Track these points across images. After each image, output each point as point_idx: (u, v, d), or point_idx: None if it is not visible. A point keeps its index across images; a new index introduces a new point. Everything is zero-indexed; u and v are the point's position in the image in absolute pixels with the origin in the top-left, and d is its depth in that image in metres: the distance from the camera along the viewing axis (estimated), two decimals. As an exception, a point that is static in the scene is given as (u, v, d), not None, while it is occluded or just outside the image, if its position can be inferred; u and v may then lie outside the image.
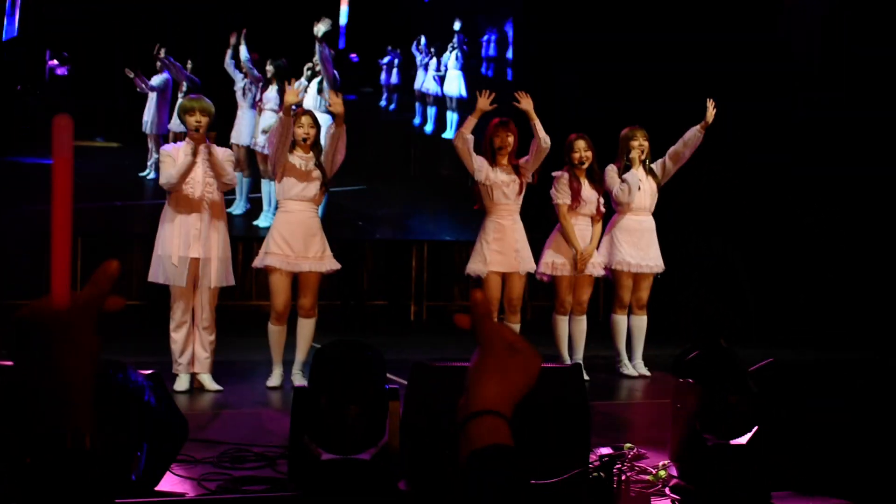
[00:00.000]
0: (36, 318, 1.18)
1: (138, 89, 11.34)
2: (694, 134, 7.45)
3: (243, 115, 11.60)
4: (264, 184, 11.60)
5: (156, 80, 11.48)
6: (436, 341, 10.32)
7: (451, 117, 12.59)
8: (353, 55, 12.35)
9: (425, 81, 12.64)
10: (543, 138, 7.03)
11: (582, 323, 7.52)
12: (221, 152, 6.50)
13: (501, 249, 7.13)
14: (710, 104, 7.38)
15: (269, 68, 11.53)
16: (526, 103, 7.01)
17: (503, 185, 7.14)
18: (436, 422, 3.74)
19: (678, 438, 3.97)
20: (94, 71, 11.12)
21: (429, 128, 12.70)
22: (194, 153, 6.35)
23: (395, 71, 12.65)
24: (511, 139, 7.17)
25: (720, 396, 3.88)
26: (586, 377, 7.26)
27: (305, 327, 6.79)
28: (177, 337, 6.49)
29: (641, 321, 7.72)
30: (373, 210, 12.39)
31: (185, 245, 6.41)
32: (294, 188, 6.64)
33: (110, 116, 11.27)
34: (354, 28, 12.21)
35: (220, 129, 6.93)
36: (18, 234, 10.65)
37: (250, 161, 11.65)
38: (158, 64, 11.45)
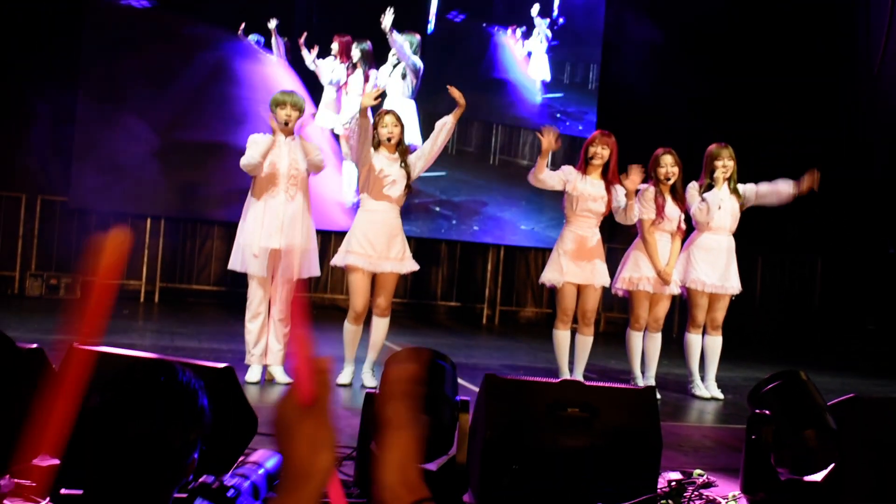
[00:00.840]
0: (295, 413, 1.42)
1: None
2: (788, 192, 7.38)
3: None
4: (345, 165, 11.84)
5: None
6: (505, 346, 10.30)
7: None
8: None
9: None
10: (630, 217, 7.04)
11: (657, 340, 7.42)
12: (310, 140, 6.60)
13: (579, 261, 7.07)
14: (812, 177, 7.28)
15: (355, 52, 11.73)
16: (631, 182, 6.99)
17: (589, 199, 7.07)
18: (505, 435, 3.71)
19: (750, 470, 3.89)
20: None
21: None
22: (275, 132, 6.46)
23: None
24: (607, 152, 7.10)
25: (796, 430, 3.80)
26: (658, 395, 7.18)
27: (380, 326, 6.80)
28: (252, 327, 6.54)
29: (716, 342, 7.59)
30: (449, 196, 12.55)
31: (267, 235, 6.46)
32: (377, 188, 6.65)
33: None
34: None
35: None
36: None
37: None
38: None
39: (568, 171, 7.15)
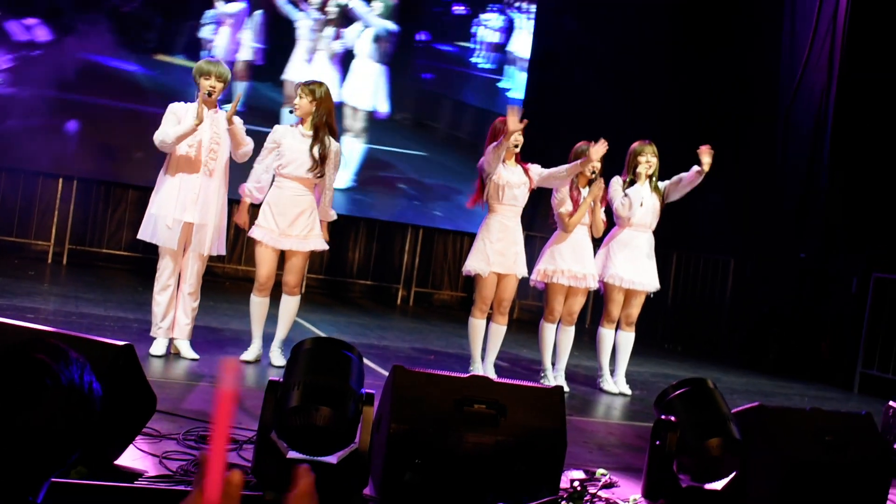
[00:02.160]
0: None
1: None
2: (693, 172, 7.36)
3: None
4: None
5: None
6: (419, 328, 10.25)
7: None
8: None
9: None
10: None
11: (569, 333, 7.43)
12: (239, 122, 6.38)
13: (503, 250, 7.02)
14: (707, 153, 7.29)
15: (332, 8, 11.72)
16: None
17: (514, 187, 7.02)
18: (410, 429, 3.64)
19: (652, 475, 3.88)
20: None
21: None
22: (199, 119, 6.21)
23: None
24: (521, 139, 7.04)
25: (700, 438, 3.80)
26: (566, 388, 7.20)
27: (287, 304, 6.69)
28: (160, 299, 6.38)
29: (629, 338, 7.63)
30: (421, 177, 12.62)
31: (181, 208, 6.30)
32: (287, 165, 6.50)
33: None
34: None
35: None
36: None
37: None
38: None
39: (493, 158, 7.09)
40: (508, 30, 12.81)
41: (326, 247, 6.72)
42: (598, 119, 10.57)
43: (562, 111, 11.98)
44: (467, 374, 3.93)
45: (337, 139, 6.62)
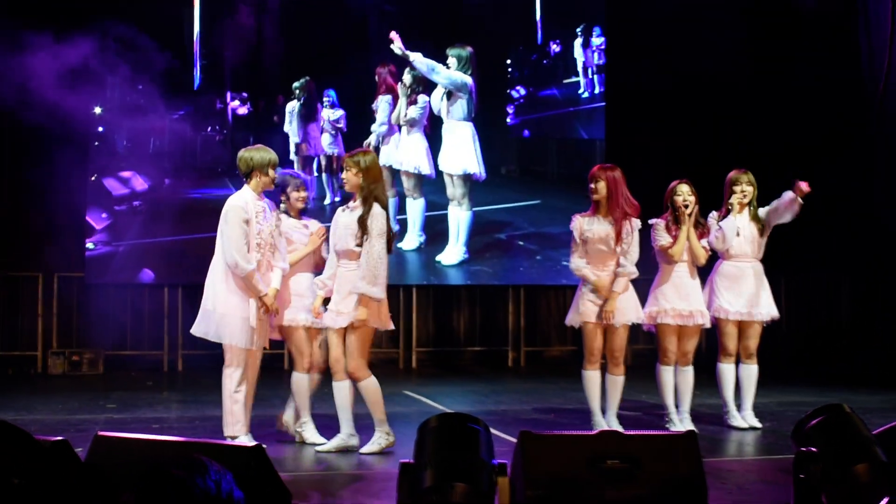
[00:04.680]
0: None
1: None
2: (788, 198, 7.23)
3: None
4: (410, 203, 11.52)
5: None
6: (535, 388, 10.15)
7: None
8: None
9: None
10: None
11: (688, 374, 7.28)
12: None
13: (596, 300, 6.99)
14: (803, 188, 7.18)
15: (407, 77, 11.45)
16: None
17: (598, 241, 6.98)
18: (547, 493, 3.60)
19: (802, 511, 3.75)
20: (269, 107, 11.55)
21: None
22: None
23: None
24: (602, 186, 7.01)
25: (845, 466, 3.67)
26: (694, 429, 7.04)
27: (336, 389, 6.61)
28: (240, 397, 6.25)
29: (751, 370, 7.47)
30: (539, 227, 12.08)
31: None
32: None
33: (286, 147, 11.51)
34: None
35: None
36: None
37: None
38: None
39: (576, 222, 7.07)
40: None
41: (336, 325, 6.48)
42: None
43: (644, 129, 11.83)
44: (596, 431, 3.88)
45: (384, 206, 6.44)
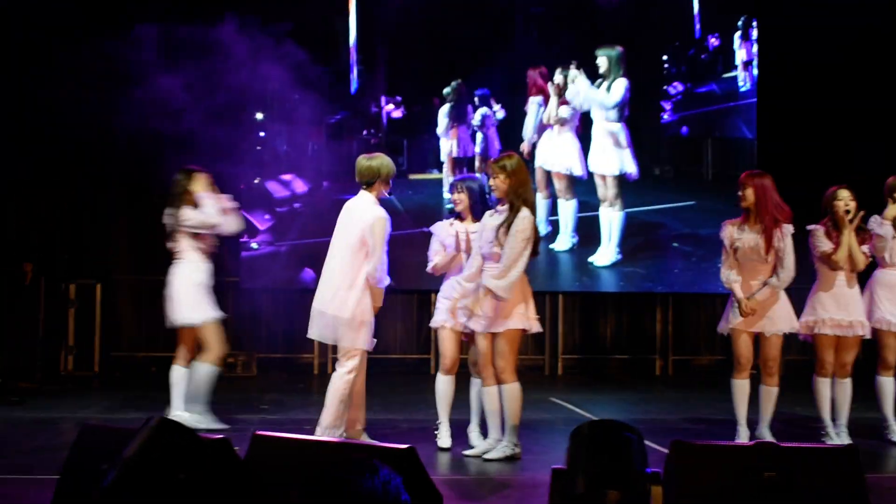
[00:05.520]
0: None
1: None
2: None
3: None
4: (562, 204, 11.45)
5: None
6: (684, 397, 9.99)
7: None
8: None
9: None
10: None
11: (846, 386, 7.07)
12: None
13: (756, 307, 6.84)
14: None
15: (559, 77, 11.36)
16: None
17: (747, 249, 6.86)
18: (698, 504, 3.55)
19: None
20: (423, 111, 11.69)
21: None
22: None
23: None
24: (750, 193, 6.86)
25: None
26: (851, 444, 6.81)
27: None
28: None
29: (911, 383, 7.21)
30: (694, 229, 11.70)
31: None
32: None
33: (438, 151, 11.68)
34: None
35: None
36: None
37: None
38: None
39: (726, 230, 6.95)
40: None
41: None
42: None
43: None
44: (752, 442, 3.80)
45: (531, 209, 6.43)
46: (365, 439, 6.25)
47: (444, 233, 6.82)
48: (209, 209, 7.36)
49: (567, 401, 9.15)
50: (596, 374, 11.77)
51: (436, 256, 6.80)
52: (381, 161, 6.50)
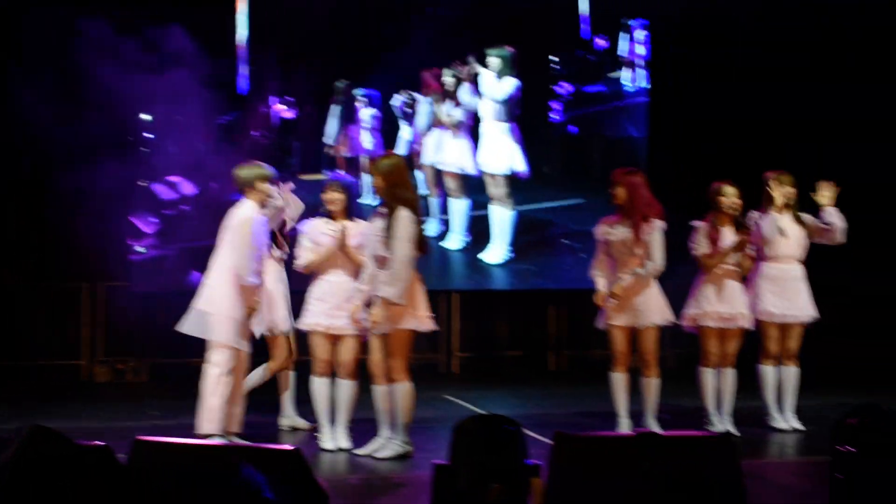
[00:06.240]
0: None
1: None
2: (821, 233, 7.37)
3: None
4: (454, 203, 11.41)
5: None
6: (576, 392, 10.11)
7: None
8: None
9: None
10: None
11: (730, 376, 7.27)
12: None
13: (625, 303, 7.00)
14: (827, 189, 7.18)
15: (448, 80, 11.28)
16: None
17: (620, 245, 7.02)
18: (582, 494, 3.60)
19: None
20: (315, 112, 11.50)
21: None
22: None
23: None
24: (621, 191, 7.02)
25: (887, 466, 3.64)
26: (735, 432, 7.00)
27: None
28: None
29: (792, 372, 7.44)
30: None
31: None
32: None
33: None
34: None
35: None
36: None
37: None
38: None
39: (600, 227, 7.16)
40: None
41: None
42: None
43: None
44: (634, 432, 3.88)
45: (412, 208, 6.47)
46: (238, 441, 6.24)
47: (315, 231, 6.81)
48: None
49: (461, 398, 9.19)
50: (491, 371, 11.82)
51: (307, 253, 6.76)
52: (250, 170, 6.63)
